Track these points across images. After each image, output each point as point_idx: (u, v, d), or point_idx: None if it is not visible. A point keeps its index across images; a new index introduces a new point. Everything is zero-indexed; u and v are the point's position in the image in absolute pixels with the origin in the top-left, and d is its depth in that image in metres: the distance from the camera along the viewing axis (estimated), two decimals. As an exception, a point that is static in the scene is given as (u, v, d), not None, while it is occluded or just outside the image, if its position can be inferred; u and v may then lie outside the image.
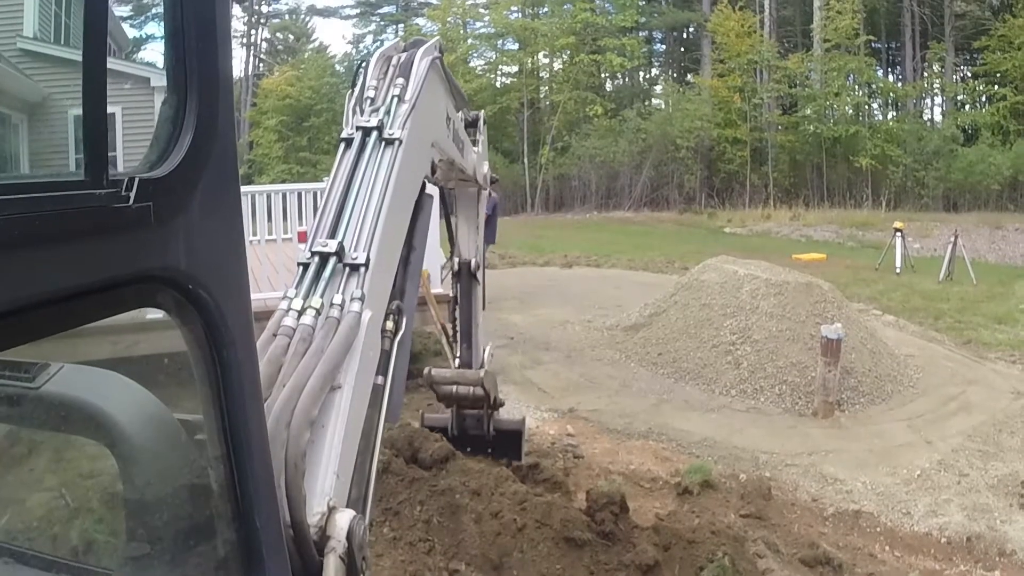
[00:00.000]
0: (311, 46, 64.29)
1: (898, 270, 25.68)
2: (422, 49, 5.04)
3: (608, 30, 51.49)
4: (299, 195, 14.46)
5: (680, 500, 9.52)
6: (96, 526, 2.59)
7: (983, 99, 50.86)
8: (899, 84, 53.74)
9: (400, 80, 4.70)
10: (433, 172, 5.53)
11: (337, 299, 3.41)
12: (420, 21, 58.91)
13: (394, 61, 4.96)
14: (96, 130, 1.46)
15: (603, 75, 55.78)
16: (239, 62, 60.08)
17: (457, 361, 8.38)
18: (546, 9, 54.08)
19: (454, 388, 8.05)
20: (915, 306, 20.52)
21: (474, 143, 7.52)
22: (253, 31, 64.11)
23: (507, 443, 8.78)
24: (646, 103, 55.65)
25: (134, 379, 2.07)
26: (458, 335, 8.38)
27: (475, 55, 56.06)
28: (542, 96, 54.94)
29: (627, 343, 15.52)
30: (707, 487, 9.77)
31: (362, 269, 3.61)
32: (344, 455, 3.07)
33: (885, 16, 51.86)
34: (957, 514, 9.69)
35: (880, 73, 53.70)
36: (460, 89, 6.35)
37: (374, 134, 4.29)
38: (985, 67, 48.52)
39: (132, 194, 1.52)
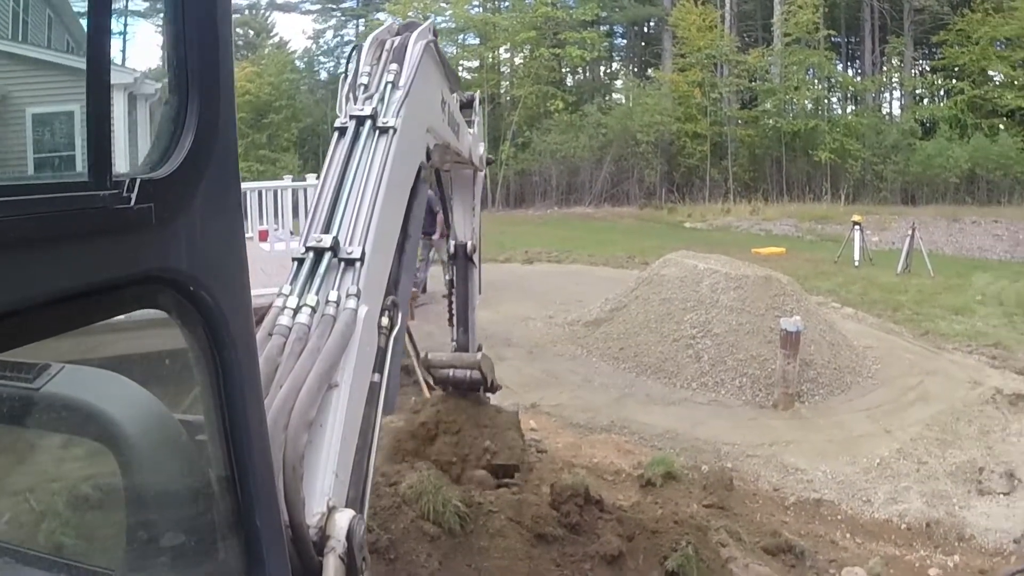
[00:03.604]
0: (271, 42, 63.71)
1: (857, 263, 25.92)
2: (416, 33, 4.96)
3: (569, 24, 51.52)
4: (259, 193, 14.40)
5: (643, 492, 9.60)
6: (96, 526, 2.57)
7: (941, 93, 51.37)
8: (858, 78, 54.20)
9: (394, 66, 4.62)
10: (428, 158, 5.40)
11: (333, 295, 3.37)
12: (381, 16, 58.28)
13: (387, 46, 4.86)
14: (99, 132, 1.45)
15: (564, 69, 55.78)
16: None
17: (453, 344, 8.34)
18: (507, 3, 54.05)
19: (450, 372, 7.99)
20: (874, 298, 20.70)
21: (469, 124, 7.39)
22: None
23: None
24: (607, 98, 55.77)
25: (134, 379, 2.06)
26: (454, 319, 8.34)
27: (436, 50, 55.80)
28: (503, 91, 54.88)
29: (588, 338, 15.56)
30: (670, 479, 9.86)
31: (357, 264, 3.56)
32: (343, 454, 3.04)
33: (845, 10, 52.21)
34: (916, 501, 9.84)
35: (840, 67, 54.10)
36: (453, 71, 6.23)
37: (368, 123, 4.22)
38: (943, 61, 49.10)
39: (134, 195, 1.51)
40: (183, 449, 1.99)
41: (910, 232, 25.51)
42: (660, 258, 17.10)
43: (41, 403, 1.91)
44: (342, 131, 4.25)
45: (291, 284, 3.42)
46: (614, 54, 61.54)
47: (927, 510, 9.65)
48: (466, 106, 7.38)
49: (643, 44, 60.42)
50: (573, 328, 16.34)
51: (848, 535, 9.24)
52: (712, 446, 11.18)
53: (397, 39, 4.91)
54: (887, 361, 14.82)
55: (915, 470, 10.62)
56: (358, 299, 3.40)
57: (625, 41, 61.53)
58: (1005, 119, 47.04)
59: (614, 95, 57.80)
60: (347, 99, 4.51)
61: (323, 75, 62.21)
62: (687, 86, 49.48)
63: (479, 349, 8.26)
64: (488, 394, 8.33)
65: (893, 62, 52.92)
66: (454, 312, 8.30)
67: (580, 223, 39.93)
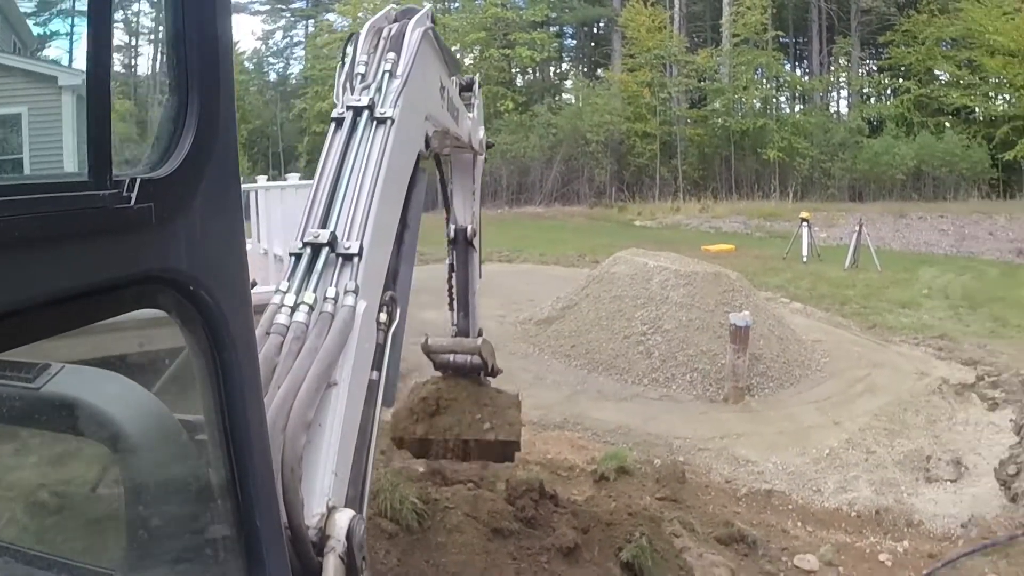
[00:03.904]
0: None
1: (805, 259, 26.26)
2: (414, 20, 4.84)
3: (519, 25, 51.58)
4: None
5: (597, 486, 9.65)
6: (96, 526, 2.54)
7: (888, 92, 52.28)
8: (806, 78, 54.94)
9: (391, 54, 4.51)
10: (427, 145, 5.24)
11: (331, 292, 3.30)
12: (331, 16, 58.17)
13: (384, 33, 4.74)
14: (99, 132, 1.44)
15: (514, 70, 55.82)
16: (146, 59, 59.02)
17: (454, 329, 8.30)
18: (457, 4, 54.08)
19: (451, 357, 7.94)
20: (822, 293, 20.97)
21: (468, 108, 7.26)
22: (160, 27, 62.98)
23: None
24: (556, 98, 55.89)
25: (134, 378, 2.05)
26: (455, 303, 8.25)
27: (385, 50, 55.43)
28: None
29: (540, 336, 15.58)
30: (623, 473, 9.92)
31: (355, 259, 3.48)
32: (342, 453, 3.01)
33: (793, 11, 52.84)
34: (866, 489, 10.01)
35: (788, 67, 54.73)
36: (452, 54, 6.07)
37: (365, 113, 4.10)
38: (890, 61, 50.26)
39: (134, 195, 1.51)
40: (183, 449, 1.99)
41: (857, 228, 25.90)
42: (610, 256, 17.17)
43: (41, 403, 1.90)
44: (339, 122, 4.13)
45: (288, 280, 3.36)
46: (564, 55, 61.68)
47: (876, 498, 9.81)
48: (465, 89, 7.26)
49: (593, 45, 60.67)
50: (525, 327, 16.35)
51: (799, 524, 9.36)
52: (664, 440, 11.25)
53: (394, 26, 4.80)
54: (835, 354, 15.01)
55: (864, 459, 10.80)
56: (356, 295, 3.34)
57: (575, 42, 61.79)
58: (951, 117, 48.24)
59: (564, 95, 57.99)
60: (344, 88, 4.39)
61: (272, 76, 61.89)
62: (636, 86, 49.69)
63: (479, 334, 8.24)
64: (488, 378, 8.29)
65: (840, 62, 53.74)
66: (454, 297, 8.25)
67: (531, 222, 39.93)
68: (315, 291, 3.29)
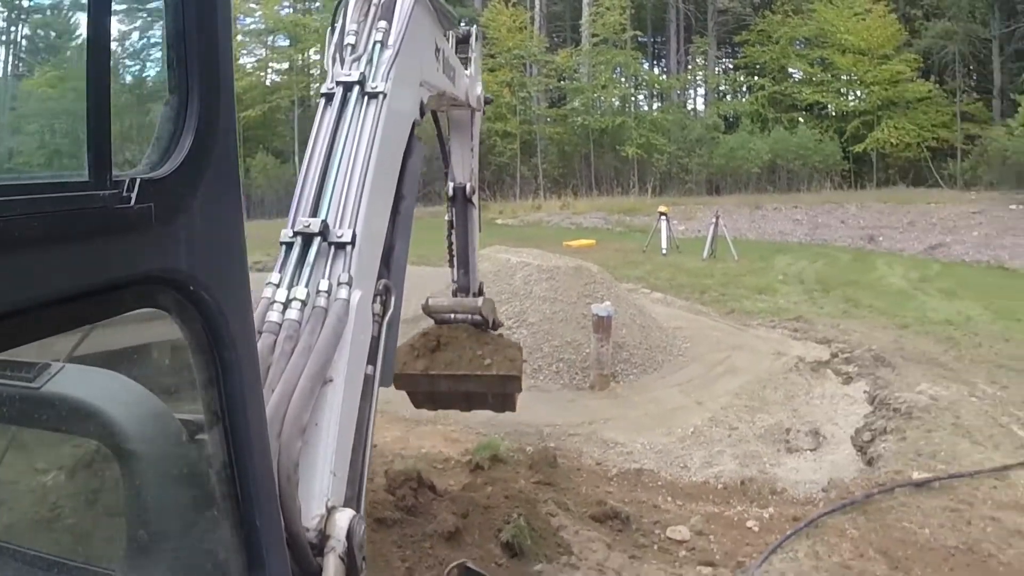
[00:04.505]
0: (74, 43, 61.20)
1: (664, 251, 26.87)
2: None
3: (381, 25, 51.18)
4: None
5: (473, 475, 9.71)
6: (96, 526, 2.51)
7: (743, 89, 53.97)
8: (664, 76, 56.17)
9: (382, 23, 4.30)
10: (423, 113, 5.06)
11: (323, 285, 3.21)
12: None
13: (376, 0, 4.47)
14: (99, 132, 1.47)
15: (375, 71, 55.34)
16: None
17: (454, 286, 8.22)
18: (318, 4, 53.16)
19: (452, 316, 7.86)
20: (681, 283, 21.48)
21: (465, 63, 6.98)
22: (13, 27, 60.82)
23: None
24: (418, 98, 55.61)
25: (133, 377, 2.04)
26: (454, 261, 8.14)
27: (244, 52, 54.39)
28: (313, 93, 54.01)
29: (408, 335, 15.50)
30: (497, 461, 10.00)
31: (349, 248, 3.39)
32: (339, 452, 2.97)
33: (651, 11, 54.01)
34: (730, 463, 10.39)
35: (646, 66, 55.72)
36: (447, 10, 5.72)
37: (356, 88, 3.96)
38: (745, 59, 52.15)
39: (134, 195, 1.53)
40: (183, 449, 1.99)
41: (714, 220, 26.62)
42: (474, 255, 17.22)
43: (41, 402, 1.88)
44: (329, 97, 4.01)
45: (280, 272, 3.27)
46: (424, 55, 61.54)
47: (741, 470, 10.20)
48: (462, 42, 7.02)
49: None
50: (393, 327, 16.30)
51: (669, 499, 9.59)
52: (535, 428, 11.40)
53: None
54: (696, 339, 15.45)
55: (727, 435, 11.22)
56: (350, 287, 3.27)
57: (435, 41, 61.66)
58: (804, 113, 50.46)
59: (425, 95, 57.75)
60: (333, 60, 4.22)
61: (128, 79, 60.28)
62: (497, 86, 49.68)
63: (480, 292, 8.19)
64: (492, 331, 8.22)
65: (697, 61, 55.39)
66: (453, 254, 8.13)
67: (393, 223, 39.60)
68: (307, 285, 3.22)
